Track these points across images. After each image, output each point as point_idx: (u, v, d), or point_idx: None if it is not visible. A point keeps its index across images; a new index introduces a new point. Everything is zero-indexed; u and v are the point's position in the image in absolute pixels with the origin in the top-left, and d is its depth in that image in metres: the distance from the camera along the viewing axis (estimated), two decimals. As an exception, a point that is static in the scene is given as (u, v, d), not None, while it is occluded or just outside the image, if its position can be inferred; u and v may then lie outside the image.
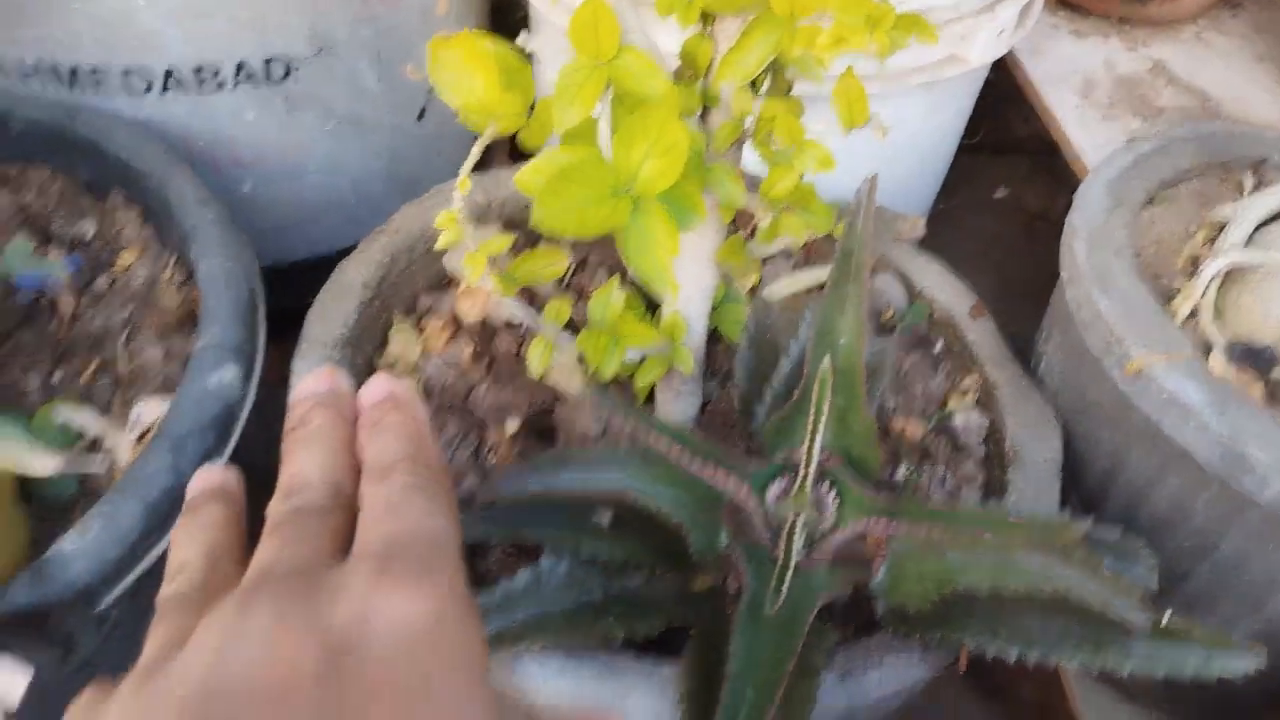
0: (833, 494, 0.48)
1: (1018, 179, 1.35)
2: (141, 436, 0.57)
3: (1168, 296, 0.59)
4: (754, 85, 0.47)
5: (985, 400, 0.65)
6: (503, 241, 0.51)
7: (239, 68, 0.76)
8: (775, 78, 0.48)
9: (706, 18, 0.46)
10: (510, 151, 1.02)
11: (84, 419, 0.56)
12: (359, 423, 0.33)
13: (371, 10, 0.80)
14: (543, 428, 0.63)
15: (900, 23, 0.41)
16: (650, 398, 0.63)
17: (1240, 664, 0.46)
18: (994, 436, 0.64)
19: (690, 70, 0.47)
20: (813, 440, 0.48)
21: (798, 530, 0.47)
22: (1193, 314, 0.58)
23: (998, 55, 0.80)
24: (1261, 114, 0.92)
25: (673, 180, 0.40)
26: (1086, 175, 0.65)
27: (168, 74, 0.75)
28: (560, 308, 0.59)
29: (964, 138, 0.95)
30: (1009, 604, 0.49)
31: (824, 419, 0.48)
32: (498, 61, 0.43)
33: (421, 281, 0.70)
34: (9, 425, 0.49)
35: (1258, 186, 0.66)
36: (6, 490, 0.49)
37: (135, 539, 0.50)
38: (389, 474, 0.31)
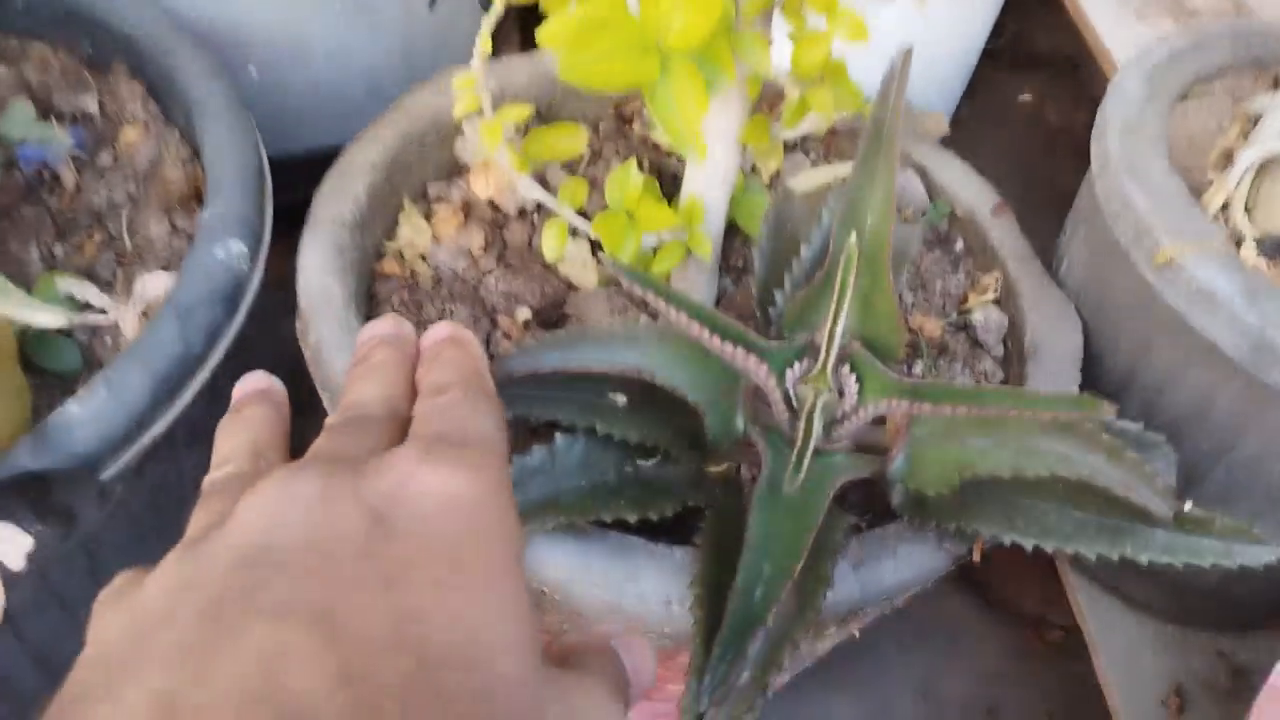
0: (854, 376, 0.48)
1: (1039, 92, 1.33)
2: (146, 312, 0.56)
3: (1200, 190, 0.58)
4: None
5: (1006, 298, 0.64)
6: (521, 110, 0.49)
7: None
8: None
9: None
10: (521, 44, 0.99)
11: (86, 291, 0.55)
12: (420, 359, 0.35)
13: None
14: (554, 320, 0.62)
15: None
16: (665, 289, 0.62)
17: (1261, 555, 0.45)
18: (1014, 334, 0.63)
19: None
20: (835, 321, 0.47)
21: (818, 412, 0.46)
22: (1225, 207, 0.56)
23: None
24: (1294, 21, 0.90)
25: (704, 34, 0.39)
26: (1119, 69, 0.63)
27: (170, -54, 0.72)
28: (576, 189, 0.57)
29: (988, 39, 0.92)
30: (1027, 494, 0.48)
31: (848, 299, 0.47)
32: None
33: (431, 168, 0.68)
34: (9, 284, 0.48)
35: (1294, 83, 0.64)
36: (8, 348, 0.48)
37: (142, 408, 0.49)
38: (441, 391, 0.32)
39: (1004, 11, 0.93)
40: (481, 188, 0.56)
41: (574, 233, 0.58)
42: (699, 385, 0.49)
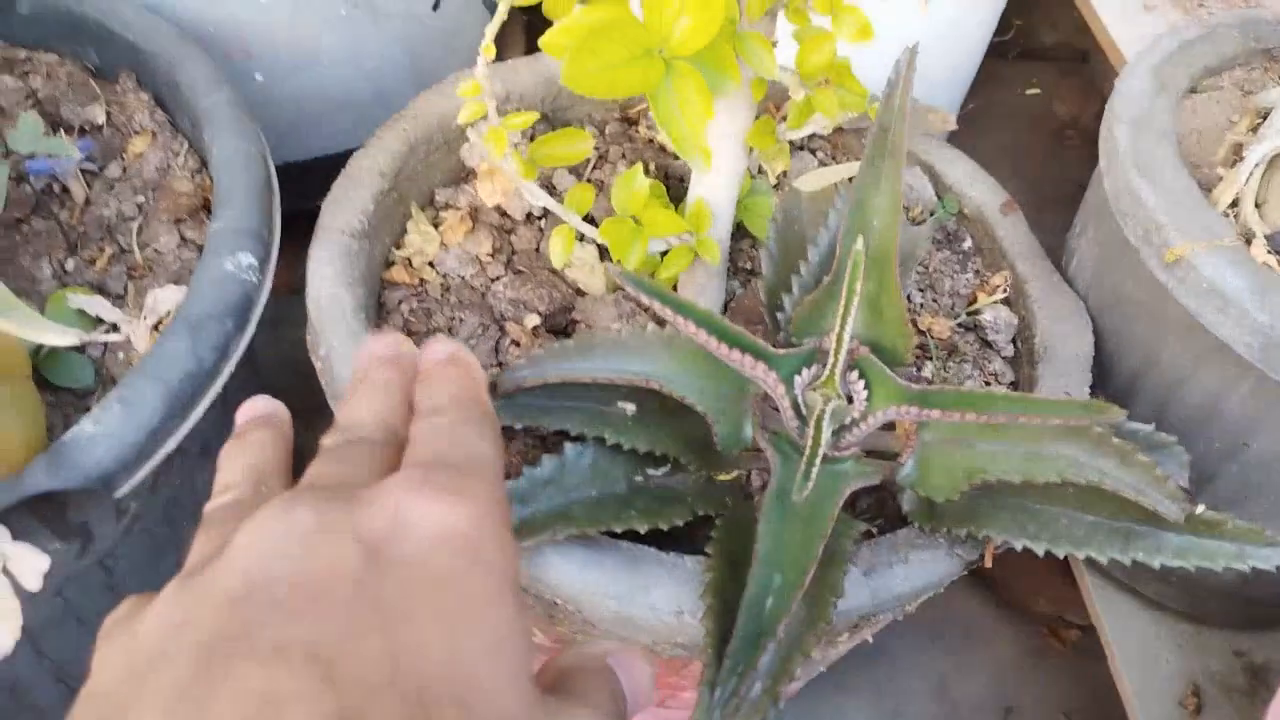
0: (862, 382, 0.47)
1: (1047, 86, 1.32)
2: (158, 325, 0.56)
3: (1209, 186, 0.57)
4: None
5: (1015, 297, 0.64)
6: (526, 118, 0.49)
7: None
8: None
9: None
10: (526, 48, 0.99)
11: (98, 306, 0.55)
12: (419, 378, 0.34)
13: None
14: (563, 325, 0.62)
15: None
16: (673, 293, 0.61)
17: (1274, 557, 0.45)
18: (1024, 334, 0.62)
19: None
20: (843, 326, 0.46)
21: (826, 418, 0.46)
22: (1234, 203, 0.56)
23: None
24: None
25: (707, 39, 0.38)
26: (1127, 63, 0.63)
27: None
28: (582, 195, 0.57)
29: (995, 34, 0.91)
30: (1038, 499, 0.48)
31: (855, 304, 0.46)
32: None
33: (439, 174, 0.68)
34: (21, 303, 0.48)
35: (1305, 76, 0.63)
36: (22, 367, 0.48)
37: (155, 424, 0.49)
38: (438, 412, 0.32)
39: (1010, 5, 0.92)
40: (488, 194, 0.56)
41: (581, 238, 0.58)
42: (707, 393, 0.49)
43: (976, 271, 0.67)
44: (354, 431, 0.31)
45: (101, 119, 0.65)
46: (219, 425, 0.58)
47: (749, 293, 0.63)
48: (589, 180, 0.69)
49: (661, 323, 0.60)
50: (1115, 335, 0.62)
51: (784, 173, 0.70)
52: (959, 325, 0.63)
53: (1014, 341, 0.63)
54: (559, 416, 0.49)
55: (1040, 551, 0.46)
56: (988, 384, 0.61)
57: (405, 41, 0.85)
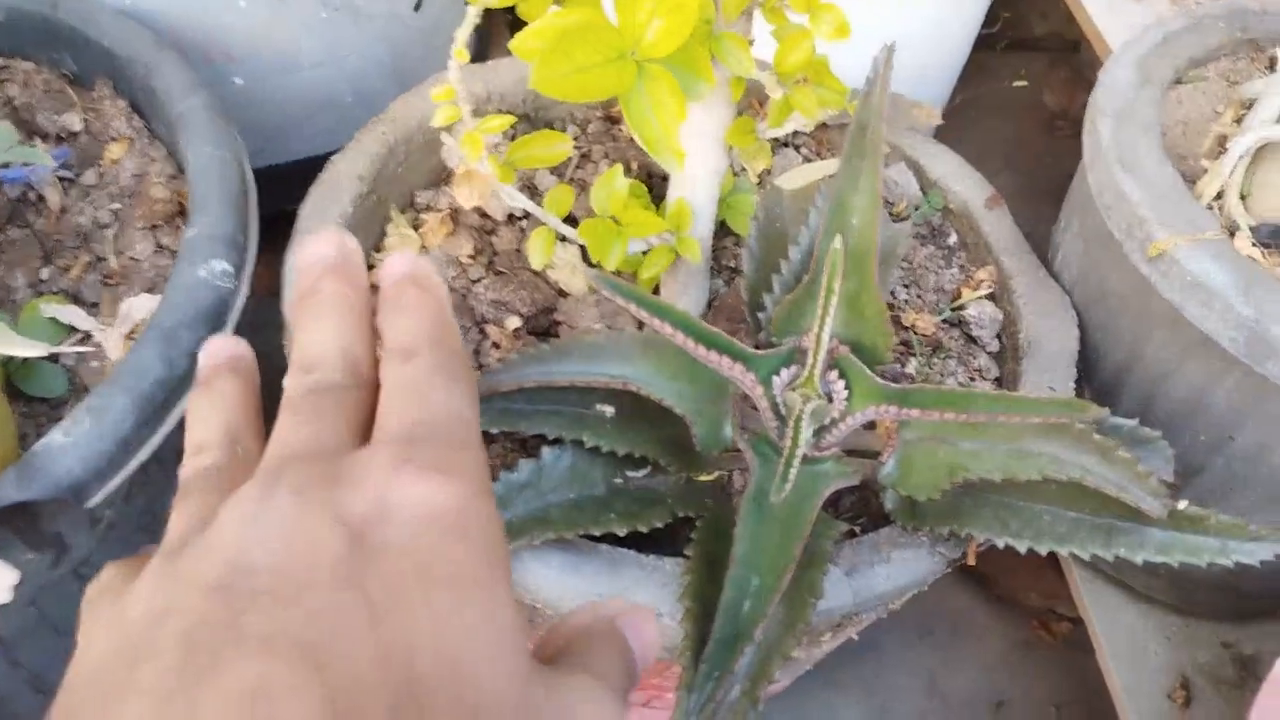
0: (842, 382, 0.47)
1: (1035, 77, 1.31)
2: (131, 334, 0.55)
3: (1194, 178, 0.57)
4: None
5: (1000, 292, 0.63)
6: (501, 121, 0.49)
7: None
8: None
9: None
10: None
11: (72, 315, 0.54)
12: (380, 300, 0.32)
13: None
14: (544, 327, 0.62)
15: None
16: (655, 294, 0.61)
17: (1258, 551, 0.45)
18: (1009, 329, 0.62)
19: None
20: (822, 325, 0.46)
21: (805, 418, 0.46)
22: (1219, 195, 0.55)
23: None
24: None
25: (680, 41, 0.38)
26: (1112, 55, 0.62)
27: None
28: (561, 196, 0.57)
29: (982, 25, 0.91)
30: (1020, 496, 0.48)
31: (834, 303, 0.46)
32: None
33: (419, 176, 0.67)
34: (-8, 314, 0.48)
35: (1289, 65, 0.63)
36: (-8, 380, 0.48)
37: (127, 433, 0.49)
38: (411, 356, 0.29)
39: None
40: (465, 197, 0.55)
41: (563, 238, 0.58)
42: (686, 395, 0.48)
43: (961, 267, 0.66)
44: (318, 374, 0.30)
45: (78, 126, 0.64)
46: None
47: (732, 292, 0.63)
48: (571, 180, 0.69)
49: (642, 325, 0.60)
50: (1101, 330, 0.61)
51: (767, 171, 0.70)
52: (944, 321, 0.63)
53: (999, 337, 0.63)
54: (537, 420, 0.48)
55: (1023, 549, 0.46)
56: (972, 380, 0.61)
57: (387, 43, 0.85)
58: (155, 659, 0.22)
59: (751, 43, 0.48)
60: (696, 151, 0.52)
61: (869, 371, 0.47)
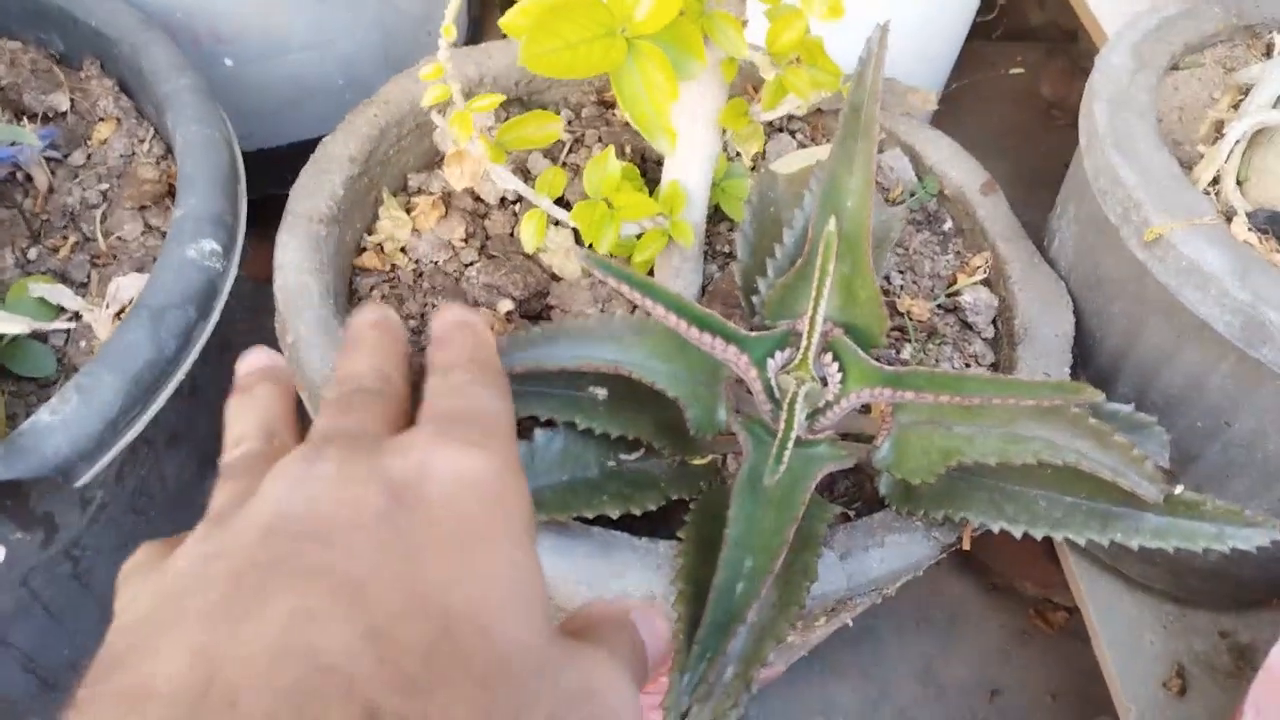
0: (836, 364, 0.47)
1: (1032, 65, 1.31)
2: (120, 314, 0.55)
3: (1190, 164, 0.57)
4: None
5: (996, 278, 0.63)
6: (491, 100, 0.48)
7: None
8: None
9: None
10: (504, 31, 0.98)
11: (60, 295, 0.54)
12: (433, 340, 0.35)
13: None
14: (537, 311, 0.61)
15: None
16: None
17: (1254, 537, 0.44)
18: (1004, 315, 0.62)
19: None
20: (816, 308, 0.46)
21: (799, 401, 0.45)
22: (1215, 181, 0.55)
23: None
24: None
25: (669, 18, 0.38)
26: (1108, 40, 0.62)
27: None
28: (553, 178, 0.56)
29: (979, 13, 0.90)
30: (1015, 480, 0.48)
31: (828, 286, 0.45)
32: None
33: (411, 159, 0.67)
34: (-23, 292, 0.47)
35: (1287, 50, 0.63)
36: (-22, 359, 0.48)
37: (115, 413, 0.48)
38: (451, 370, 0.33)
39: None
40: (456, 178, 0.55)
41: (556, 222, 0.57)
42: (679, 379, 0.48)
43: (957, 253, 0.66)
44: (352, 382, 0.32)
45: (65, 106, 0.64)
46: (187, 414, 0.58)
47: (726, 276, 0.63)
48: (564, 164, 0.68)
49: (635, 308, 0.60)
50: (1097, 316, 0.61)
51: (761, 155, 0.69)
52: (939, 307, 0.63)
53: (994, 323, 0.62)
54: (528, 402, 0.48)
55: (1018, 533, 0.46)
56: (968, 366, 0.60)
57: (379, 27, 0.84)
58: (203, 593, 0.23)
59: (745, 23, 0.47)
60: (689, 133, 0.52)
61: (863, 354, 0.46)
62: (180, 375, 0.51)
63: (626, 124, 0.71)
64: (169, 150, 0.61)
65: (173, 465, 0.58)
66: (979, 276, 0.63)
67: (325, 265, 0.56)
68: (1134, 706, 0.68)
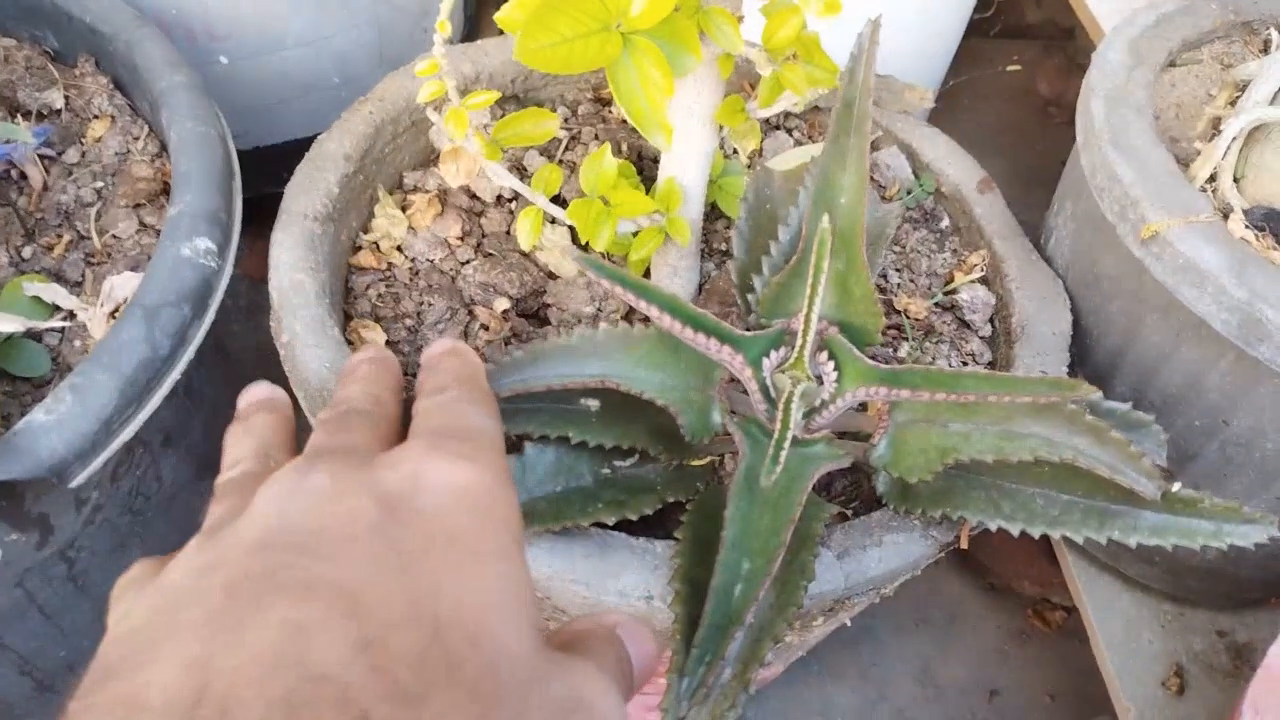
0: (832, 363, 0.46)
1: (1029, 63, 1.31)
2: (115, 312, 0.55)
3: (1187, 161, 0.56)
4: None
5: (993, 276, 0.63)
6: (487, 96, 0.48)
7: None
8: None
9: None
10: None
11: (55, 294, 0.54)
12: (423, 367, 0.37)
13: None
14: (534, 309, 0.61)
15: None
16: (645, 277, 0.60)
17: (1251, 534, 0.44)
18: (1001, 313, 0.62)
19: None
20: (811, 306, 0.45)
21: (795, 400, 0.45)
22: (1212, 178, 0.55)
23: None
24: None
25: (664, 13, 0.37)
26: (1105, 37, 0.62)
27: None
28: (550, 176, 0.56)
29: (975, 11, 0.90)
30: (1012, 478, 0.47)
31: (822, 284, 0.45)
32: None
33: (407, 157, 0.67)
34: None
35: (1285, 47, 0.62)
36: (-29, 359, 0.47)
37: (109, 413, 0.48)
38: (441, 391, 0.34)
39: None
40: (452, 175, 0.54)
41: (552, 220, 0.57)
42: (669, 387, 0.47)
43: (954, 250, 0.66)
44: (346, 404, 0.34)
45: (60, 103, 0.64)
46: (183, 414, 0.57)
47: (723, 274, 0.62)
48: (561, 162, 0.68)
49: (630, 311, 0.60)
50: (1094, 314, 0.61)
51: (758, 153, 0.69)
52: (936, 305, 0.62)
53: (991, 321, 0.62)
54: (520, 420, 0.47)
55: (1015, 531, 0.46)
56: (965, 364, 0.60)
57: (374, 24, 0.84)
58: (197, 605, 0.24)
59: (741, 19, 0.47)
60: (686, 130, 0.52)
61: (858, 352, 0.46)
62: (175, 375, 0.51)
63: (623, 121, 0.70)
64: (164, 148, 0.61)
65: (168, 466, 0.58)
66: (976, 274, 0.63)
67: (321, 264, 0.56)
68: (1133, 706, 0.68)
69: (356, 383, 0.36)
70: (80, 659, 0.60)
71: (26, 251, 0.57)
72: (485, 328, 0.59)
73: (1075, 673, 0.89)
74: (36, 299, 0.53)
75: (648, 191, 0.58)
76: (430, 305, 0.59)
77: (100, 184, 0.60)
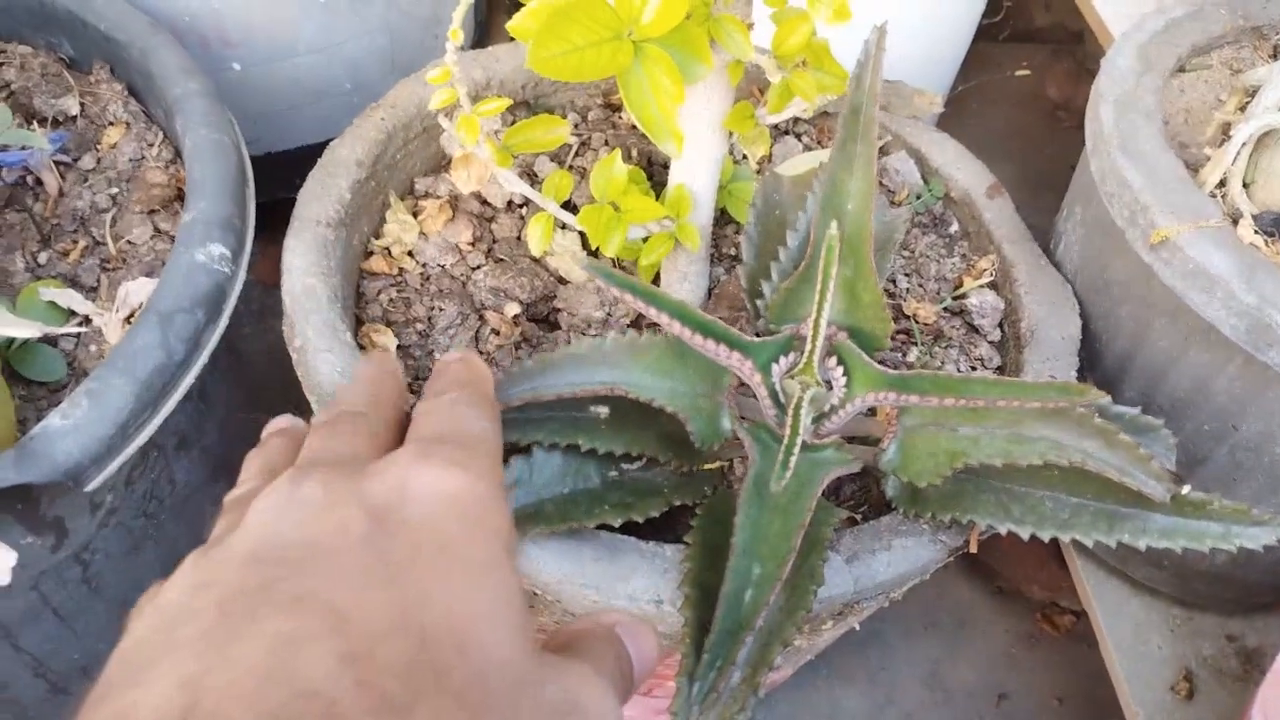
0: (841, 368, 0.47)
1: (1038, 67, 1.31)
2: (130, 318, 0.55)
3: (1197, 166, 0.57)
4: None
5: (1002, 281, 0.63)
6: (498, 103, 0.48)
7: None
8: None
9: None
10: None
11: (70, 299, 0.54)
12: (432, 375, 0.37)
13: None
14: (544, 314, 0.62)
15: None
16: (655, 282, 0.61)
17: (1260, 536, 0.44)
18: (1010, 318, 0.62)
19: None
20: (819, 312, 0.46)
21: (804, 406, 0.45)
22: (1222, 183, 0.55)
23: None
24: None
25: (676, 21, 0.38)
26: (1114, 42, 0.62)
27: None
28: (560, 182, 0.56)
29: (984, 15, 0.90)
30: (1022, 481, 0.47)
31: (830, 289, 0.46)
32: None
33: (419, 163, 0.67)
34: (-12, 297, 0.47)
35: (1294, 53, 0.62)
36: (-12, 363, 0.48)
37: (125, 417, 0.48)
38: (440, 394, 0.34)
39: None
40: (463, 181, 0.55)
41: (563, 226, 0.57)
42: (678, 394, 0.48)
43: (963, 255, 0.66)
44: (344, 406, 0.34)
45: (75, 110, 0.64)
46: (197, 418, 0.58)
47: (732, 279, 0.63)
48: (571, 168, 0.68)
49: (639, 317, 0.60)
50: (1103, 318, 0.61)
51: (767, 158, 0.69)
52: (945, 310, 0.63)
53: (1000, 326, 0.62)
54: (530, 429, 0.47)
55: (1025, 535, 0.46)
56: (974, 369, 0.60)
57: (386, 31, 0.84)
58: (192, 621, 0.24)
59: (751, 26, 0.47)
60: (695, 137, 0.52)
61: (867, 357, 0.46)
62: (189, 379, 0.52)
63: (633, 127, 0.71)
64: (178, 154, 0.62)
65: (182, 469, 0.58)
66: (985, 279, 0.63)
67: (333, 269, 0.56)
68: (1141, 710, 0.68)
69: (357, 387, 0.36)
70: (94, 662, 0.60)
71: (43, 257, 0.58)
72: (496, 332, 0.59)
73: (1084, 677, 0.89)
74: (52, 304, 0.54)
75: (658, 197, 0.59)
76: (441, 310, 0.59)
77: (115, 190, 0.61)
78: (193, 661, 0.23)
